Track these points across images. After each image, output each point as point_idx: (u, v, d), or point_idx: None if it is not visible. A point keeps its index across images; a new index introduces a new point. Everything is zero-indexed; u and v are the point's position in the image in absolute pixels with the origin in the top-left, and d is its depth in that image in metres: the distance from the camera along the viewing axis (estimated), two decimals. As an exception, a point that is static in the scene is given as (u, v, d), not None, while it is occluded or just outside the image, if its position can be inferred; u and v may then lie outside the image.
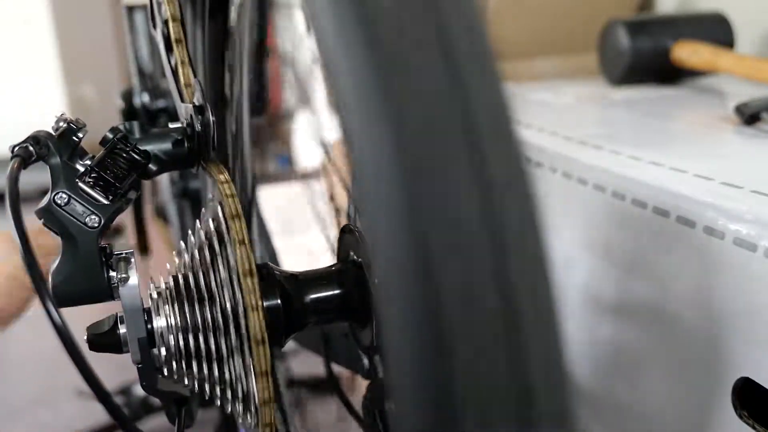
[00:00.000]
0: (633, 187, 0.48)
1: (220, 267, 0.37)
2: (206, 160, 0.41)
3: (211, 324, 0.37)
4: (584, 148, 0.56)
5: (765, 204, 0.41)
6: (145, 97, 0.89)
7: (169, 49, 0.43)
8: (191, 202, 1.00)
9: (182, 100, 0.42)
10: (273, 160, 2.30)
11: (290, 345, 0.42)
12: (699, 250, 0.43)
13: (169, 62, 0.43)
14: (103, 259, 0.37)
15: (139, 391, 1.15)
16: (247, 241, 0.36)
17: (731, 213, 0.41)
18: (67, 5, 2.81)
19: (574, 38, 1.00)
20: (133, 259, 0.38)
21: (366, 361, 0.46)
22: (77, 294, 0.37)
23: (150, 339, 0.37)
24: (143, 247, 0.96)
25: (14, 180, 0.35)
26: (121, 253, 0.38)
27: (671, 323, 0.46)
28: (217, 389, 0.38)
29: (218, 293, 0.37)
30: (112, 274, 0.37)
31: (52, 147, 0.37)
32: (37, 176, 0.43)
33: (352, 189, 0.42)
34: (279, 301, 0.38)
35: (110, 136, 0.38)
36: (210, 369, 0.38)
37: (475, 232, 0.19)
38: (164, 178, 1.07)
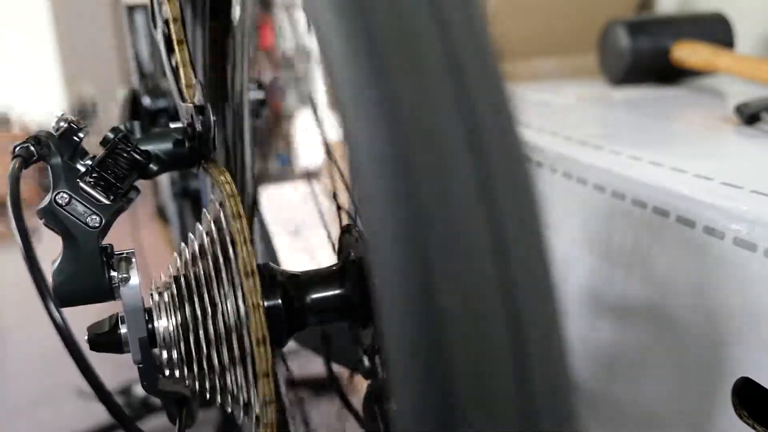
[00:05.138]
0: (633, 187, 0.48)
1: (221, 267, 0.37)
2: (207, 160, 0.41)
3: (211, 324, 0.37)
4: (584, 148, 0.56)
5: (765, 204, 0.41)
6: (146, 100, 0.89)
7: (169, 49, 0.43)
8: (191, 202, 1.00)
9: (183, 100, 0.42)
10: (273, 160, 2.31)
11: (290, 345, 0.42)
12: (699, 250, 0.43)
13: (170, 62, 0.43)
14: (104, 259, 0.37)
15: (139, 390, 1.15)
16: (248, 241, 0.36)
17: (731, 213, 0.41)
18: (67, 5, 2.81)
19: (574, 38, 1.00)
20: (134, 259, 0.38)
21: (366, 361, 0.46)
22: (78, 294, 0.37)
23: (150, 339, 0.37)
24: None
25: (15, 180, 0.35)
26: (122, 253, 0.38)
27: (671, 323, 0.46)
28: (218, 389, 0.38)
29: (219, 293, 0.37)
30: (113, 274, 0.37)
31: (53, 147, 0.37)
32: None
33: (351, 189, 0.42)
34: (280, 301, 0.38)
35: (111, 136, 0.38)
36: (210, 369, 0.38)
37: (476, 231, 0.19)
38: (164, 178, 1.07)
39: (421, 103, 0.20)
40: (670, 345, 0.46)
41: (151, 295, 0.38)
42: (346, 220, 0.46)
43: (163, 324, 0.37)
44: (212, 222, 0.39)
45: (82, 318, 0.39)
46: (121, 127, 0.39)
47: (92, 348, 0.37)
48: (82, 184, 0.37)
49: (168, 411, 0.40)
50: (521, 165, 0.21)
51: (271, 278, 0.38)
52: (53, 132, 0.38)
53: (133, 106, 0.87)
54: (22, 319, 1.71)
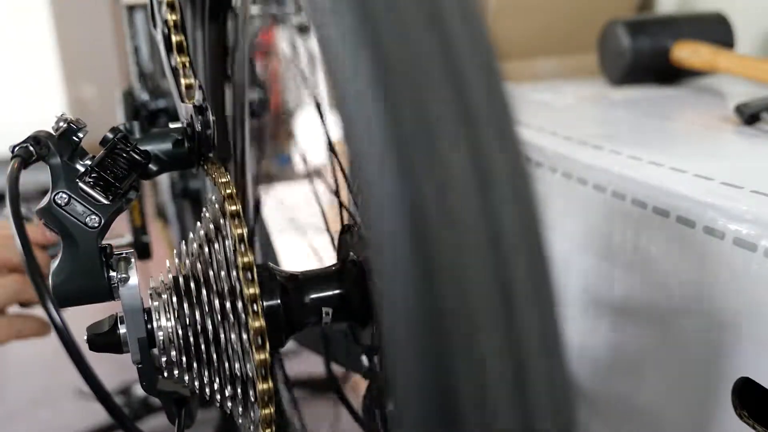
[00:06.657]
0: (633, 187, 0.48)
1: (221, 267, 0.37)
2: (206, 160, 0.41)
3: (210, 324, 0.37)
4: (584, 148, 0.56)
5: (765, 204, 0.41)
6: (145, 97, 0.88)
7: (169, 49, 0.43)
8: (191, 202, 1.00)
9: (182, 100, 0.42)
10: (273, 160, 2.30)
11: (290, 345, 0.42)
12: (699, 250, 0.43)
13: (170, 62, 0.43)
14: (103, 259, 0.37)
15: (139, 391, 1.15)
16: (247, 242, 0.36)
17: (731, 213, 0.41)
18: (67, 5, 2.81)
19: (574, 38, 1.00)
20: (133, 260, 0.38)
21: (366, 361, 0.46)
22: (77, 294, 0.37)
23: (150, 339, 0.37)
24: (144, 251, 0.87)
25: (14, 180, 0.35)
26: (122, 254, 0.38)
27: (671, 323, 0.46)
28: (217, 389, 0.38)
29: (218, 294, 0.37)
30: (112, 274, 0.37)
31: (52, 147, 0.37)
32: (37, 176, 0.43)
33: (352, 188, 0.42)
34: (279, 301, 0.38)
35: (110, 136, 0.38)
36: (210, 369, 0.38)
37: (475, 231, 0.19)
38: (164, 179, 1.07)
39: (420, 103, 0.20)
40: (670, 345, 0.46)
41: (151, 295, 0.38)
42: (346, 220, 0.46)
43: (163, 324, 0.37)
44: (211, 222, 0.39)
45: (82, 318, 0.39)
46: (121, 127, 0.39)
47: (91, 348, 0.37)
48: (81, 184, 0.37)
49: (167, 411, 0.40)
50: (520, 165, 0.21)
51: (270, 278, 0.38)
52: (53, 132, 0.38)
53: (131, 105, 0.87)
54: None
